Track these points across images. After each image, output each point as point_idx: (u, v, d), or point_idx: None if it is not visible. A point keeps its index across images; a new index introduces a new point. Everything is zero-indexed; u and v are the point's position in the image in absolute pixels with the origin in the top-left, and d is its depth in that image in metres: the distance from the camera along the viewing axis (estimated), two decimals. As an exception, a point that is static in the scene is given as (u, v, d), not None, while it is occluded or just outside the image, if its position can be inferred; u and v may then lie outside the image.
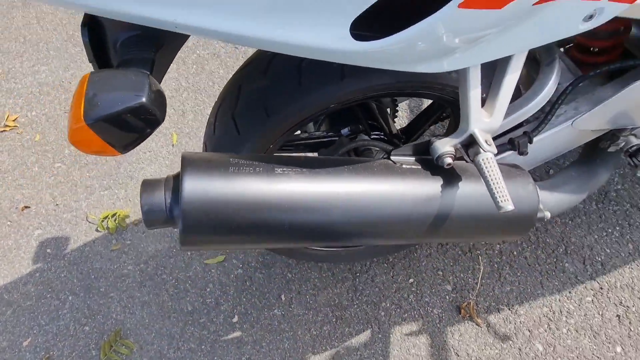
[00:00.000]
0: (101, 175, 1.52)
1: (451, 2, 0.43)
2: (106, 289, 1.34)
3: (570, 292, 1.10)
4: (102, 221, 1.42)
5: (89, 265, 1.38)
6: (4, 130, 1.69)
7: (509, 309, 1.11)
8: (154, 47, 0.52)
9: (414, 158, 0.65)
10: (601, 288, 1.09)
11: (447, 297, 1.15)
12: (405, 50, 0.48)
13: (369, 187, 0.59)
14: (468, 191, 0.63)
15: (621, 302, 1.07)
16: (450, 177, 0.63)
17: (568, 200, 0.80)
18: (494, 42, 0.52)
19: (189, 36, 0.55)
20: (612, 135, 0.77)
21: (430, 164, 0.64)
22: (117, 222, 1.41)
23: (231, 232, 0.56)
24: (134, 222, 1.42)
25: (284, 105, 0.68)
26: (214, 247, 0.63)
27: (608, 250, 1.13)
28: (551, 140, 0.77)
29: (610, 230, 1.15)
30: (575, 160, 0.86)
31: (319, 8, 0.44)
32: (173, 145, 1.53)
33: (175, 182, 0.56)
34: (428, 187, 0.62)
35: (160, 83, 0.53)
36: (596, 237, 1.14)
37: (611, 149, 0.80)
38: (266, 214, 0.56)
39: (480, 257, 1.18)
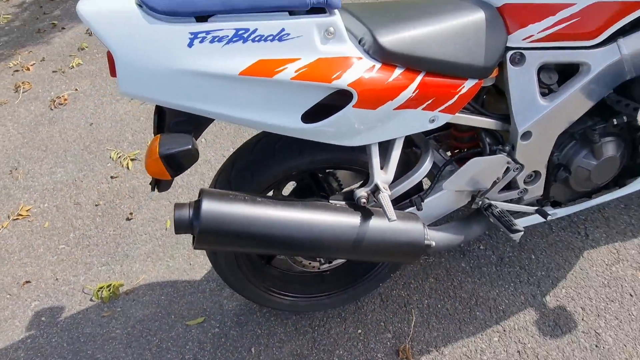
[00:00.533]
0: (101, 254, 1.79)
1: (349, 103, 0.88)
2: (93, 352, 1.51)
3: (482, 334, 1.39)
4: (98, 291, 1.65)
5: (80, 330, 1.57)
6: (17, 219, 1.98)
7: (437, 351, 1.37)
8: (193, 125, 0.93)
9: (344, 202, 1.04)
10: (504, 330, 1.39)
11: (388, 343, 1.41)
12: (331, 130, 0.91)
13: (313, 214, 0.96)
14: (377, 222, 1.00)
15: (519, 340, 1.37)
16: (365, 212, 1.01)
17: (449, 239, 1.17)
18: (380, 129, 0.96)
19: (213, 120, 0.96)
20: (473, 197, 1.19)
21: (353, 205, 1.02)
22: (111, 291, 1.64)
23: (229, 236, 0.89)
24: (126, 291, 1.65)
25: (264, 172, 1.08)
26: (216, 247, 0.95)
27: (507, 301, 1.46)
28: (438, 201, 1.18)
29: (507, 286, 1.50)
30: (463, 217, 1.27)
31: (284, 107, 0.88)
32: (166, 229, 1.85)
33: (196, 204, 0.91)
34: (351, 218, 0.99)
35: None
36: (497, 291, 1.49)
37: (474, 206, 1.21)
38: (250, 225, 0.90)
39: (413, 310, 1.48)
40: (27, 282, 1.73)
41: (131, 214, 1.92)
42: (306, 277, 1.42)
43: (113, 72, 0.85)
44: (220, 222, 0.89)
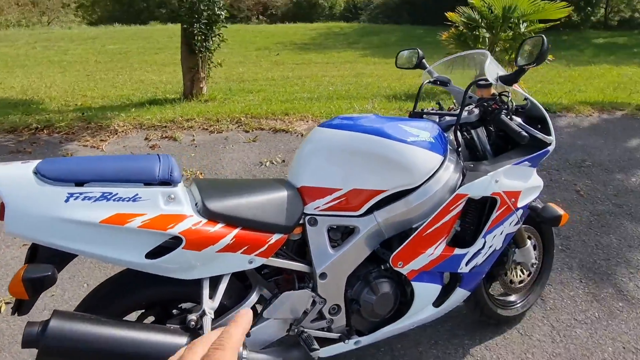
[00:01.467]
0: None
1: (180, 246, 1.24)
2: None
3: None
4: None
5: None
6: None
7: None
8: (58, 258, 1.21)
9: (179, 325, 1.30)
10: None
11: None
12: (170, 266, 1.24)
13: (142, 334, 1.16)
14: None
15: None
16: (193, 333, 1.27)
17: (266, 359, 1.43)
18: (208, 266, 1.31)
19: (76, 255, 1.24)
20: (290, 325, 1.51)
21: (185, 327, 1.29)
22: None
23: (67, 353, 1.09)
24: None
25: (118, 301, 1.33)
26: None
27: None
28: (263, 329, 1.46)
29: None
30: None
31: (132, 247, 1.21)
32: None
33: (45, 323, 1.12)
34: (176, 338, 1.23)
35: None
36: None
37: (291, 333, 1.51)
38: (87, 343, 1.11)
39: None
40: None
41: (-11, 357, 1.92)
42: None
43: (1, 217, 1.15)
44: (63, 339, 1.11)
